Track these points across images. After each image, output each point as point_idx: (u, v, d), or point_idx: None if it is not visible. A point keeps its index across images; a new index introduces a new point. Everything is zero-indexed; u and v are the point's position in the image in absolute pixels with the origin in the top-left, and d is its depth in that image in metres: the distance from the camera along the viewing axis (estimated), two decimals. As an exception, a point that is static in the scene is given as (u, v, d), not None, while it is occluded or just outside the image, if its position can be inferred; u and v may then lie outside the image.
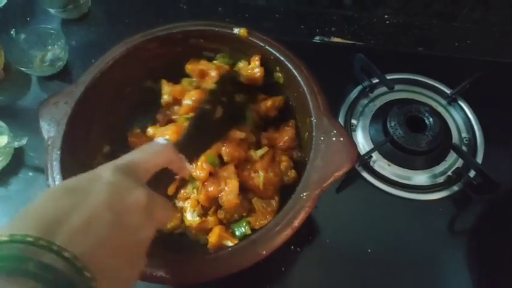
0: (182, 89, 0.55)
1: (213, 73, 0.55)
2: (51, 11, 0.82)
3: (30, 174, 0.67)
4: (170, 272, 0.38)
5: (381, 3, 0.81)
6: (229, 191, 0.47)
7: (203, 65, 0.56)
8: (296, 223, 0.39)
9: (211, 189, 0.49)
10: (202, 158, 0.50)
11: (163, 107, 0.59)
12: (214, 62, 0.58)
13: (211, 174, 0.50)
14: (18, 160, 0.68)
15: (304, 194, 0.41)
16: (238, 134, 0.50)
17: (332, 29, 0.81)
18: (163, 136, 0.50)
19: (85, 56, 0.79)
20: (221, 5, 0.84)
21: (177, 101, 0.56)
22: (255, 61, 0.55)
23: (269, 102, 0.55)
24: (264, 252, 0.38)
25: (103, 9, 0.86)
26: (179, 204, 0.53)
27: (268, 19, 0.82)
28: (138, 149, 0.36)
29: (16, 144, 0.67)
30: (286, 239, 0.39)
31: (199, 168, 0.50)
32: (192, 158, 0.43)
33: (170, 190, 0.52)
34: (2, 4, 0.86)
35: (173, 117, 0.58)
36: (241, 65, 0.57)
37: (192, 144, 0.43)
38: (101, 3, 0.87)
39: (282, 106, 0.57)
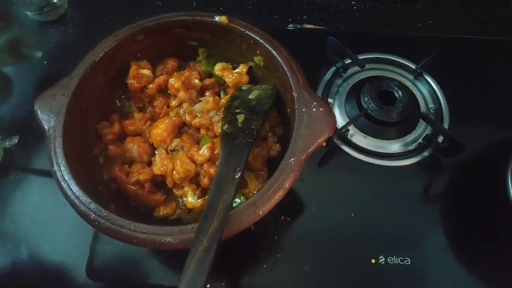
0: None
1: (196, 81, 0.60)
2: (28, 13, 0.83)
3: (21, 174, 0.68)
4: (177, 238, 0.41)
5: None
6: None
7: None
8: (287, 185, 0.43)
9: (212, 170, 0.53)
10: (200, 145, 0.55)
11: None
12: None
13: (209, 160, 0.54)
14: (8, 161, 0.69)
15: (292, 159, 0.45)
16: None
17: (304, 17, 0.85)
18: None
19: (64, 57, 0.80)
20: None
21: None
22: (242, 69, 0.60)
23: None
24: (261, 212, 0.42)
25: (80, 10, 0.88)
26: (179, 192, 0.55)
27: (242, 11, 0.86)
28: None
29: (7, 144, 0.68)
30: (279, 199, 0.43)
31: (199, 155, 0.54)
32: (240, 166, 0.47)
33: (170, 182, 0.54)
34: (-23, 10, 0.86)
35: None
36: (220, 67, 0.61)
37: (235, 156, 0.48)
38: (78, 4, 0.88)
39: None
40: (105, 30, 0.84)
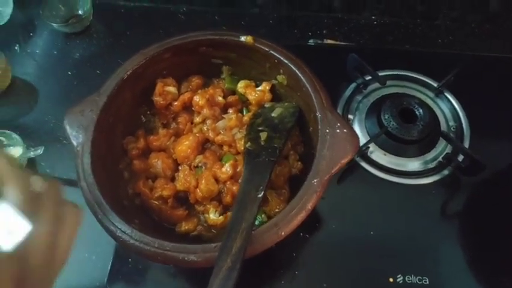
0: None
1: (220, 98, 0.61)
2: (54, 25, 0.85)
3: (44, 183, 0.70)
4: (201, 256, 0.42)
5: (369, 5, 0.86)
6: None
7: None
8: (309, 206, 0.44)
9: (235, 188, 0.54)
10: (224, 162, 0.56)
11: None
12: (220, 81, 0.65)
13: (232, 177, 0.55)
14: (30, 170, 0.70)
15: (315, 180, 0.45)
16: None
17: (324, 31, 0.86)
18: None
19: (90, 68, 0.82)
20: (217, 14, 0.89)
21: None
22: (265, 87, 0.61)
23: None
24: (283, 233, 0.43)
25: (104, 22, 0.89)
26: (200, 208, 0.56)
27: (263, 26, 0.87)
28: None
29: (32, 153, 0.70)
30: (301, 220, 0.44)
31: (222, 173, 0.54)
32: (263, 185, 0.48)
33: (192, 198, 0.55)
34: (5, 21, 0.88)
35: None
36: (244, 84, 0.62)
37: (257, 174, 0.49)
38: (102, 16, 0.89)
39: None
40: (129, 43, 0.87)
